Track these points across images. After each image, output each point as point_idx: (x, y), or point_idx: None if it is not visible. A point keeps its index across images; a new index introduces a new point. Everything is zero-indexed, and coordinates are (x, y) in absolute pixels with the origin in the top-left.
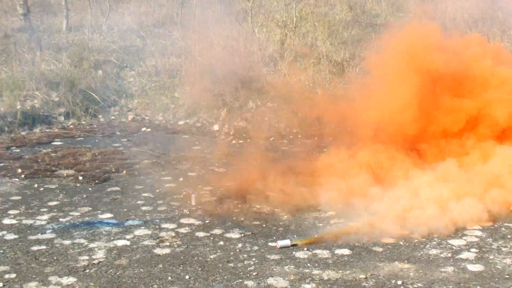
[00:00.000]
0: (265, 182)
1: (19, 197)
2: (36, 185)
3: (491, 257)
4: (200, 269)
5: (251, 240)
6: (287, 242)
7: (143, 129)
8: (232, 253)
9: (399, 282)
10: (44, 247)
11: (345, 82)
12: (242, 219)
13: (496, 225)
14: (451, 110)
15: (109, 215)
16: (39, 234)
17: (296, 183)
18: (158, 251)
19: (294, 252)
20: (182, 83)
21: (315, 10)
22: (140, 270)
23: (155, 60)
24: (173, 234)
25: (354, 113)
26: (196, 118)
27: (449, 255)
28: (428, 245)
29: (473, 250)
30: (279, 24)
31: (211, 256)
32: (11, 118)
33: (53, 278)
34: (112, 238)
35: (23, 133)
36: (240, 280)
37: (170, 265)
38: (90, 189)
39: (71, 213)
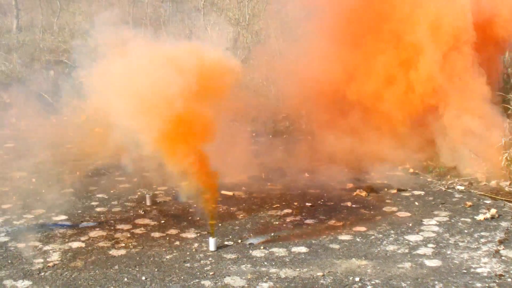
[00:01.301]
0: (221, 181)
1: None
2: None
3: (448, 252)
4: (156, 269)
5: (207, 239)
6: (212, 242)
7: (96, 129)
8: (188, 253)
9: (357, 279)
10: None
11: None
12: (198, 218)
13: (453, 220)
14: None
15: (63, 217)
16: None
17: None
18: (113, 252)
19: (250, 251)
20: None
21: (268, 7)
22: (96, 272)
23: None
24: (128, 235)
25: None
26: None
27: (406, 251)
28: (385, 241)
29: (430, 245)
30: (231, 22)
31: (167, 257)
32: None
33: (8, 282)
34: (67, 240)
35: None
36: (197, 280)
37: (126, 266)
38: (43, 191)
39: (25, 216)
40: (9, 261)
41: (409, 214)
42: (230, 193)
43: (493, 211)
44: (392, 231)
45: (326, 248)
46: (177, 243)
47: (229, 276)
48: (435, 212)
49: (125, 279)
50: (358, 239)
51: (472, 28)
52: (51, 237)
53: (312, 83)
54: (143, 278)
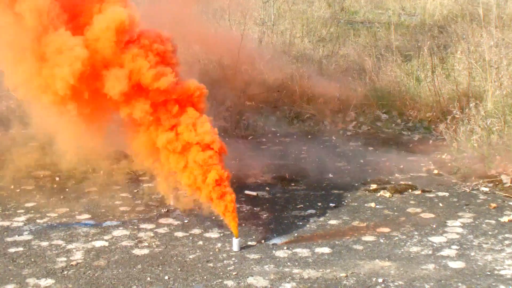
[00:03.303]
0: (245, 181)
1: None
2: (12, 187)
3: (472, 254)
4: (179, 269)
5: (230, 239)
6: (235, 242)
7: (121, 129)
8: (211, 252)
9: (380, 280)
10: (21, 249)
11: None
12: (221, 218)
13: (477, 222)
14: None
15: (86, 216)
16: (16, 236)
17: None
18: (136, 251)
19: (274, 251)
20: None
21: (293, 7)
22: (119, 271)
23: None
24: (152, 234)
25: None
26: None
27: (430, 252)
28: (408, 243)
29: (454, 247)
30: (256, 22)
31: (190, 256)
32: None
33: (30, 280)
34: (90, 239)
35: None
36: (220, 280)
37: (149, 265)
38: (67, 189)
39: (48, 214)
40: (32, 260)
41: (433, 216)
42: (254, 193)
43: None
44: (416, 232)
45: (350, 249)
46: (200, 242)
47: (252, 276)
48: (459, 214)
49: (148, 279)
50: (381, 240)
51: None
52: (74, 236)
53: None
54: (166, 277)
